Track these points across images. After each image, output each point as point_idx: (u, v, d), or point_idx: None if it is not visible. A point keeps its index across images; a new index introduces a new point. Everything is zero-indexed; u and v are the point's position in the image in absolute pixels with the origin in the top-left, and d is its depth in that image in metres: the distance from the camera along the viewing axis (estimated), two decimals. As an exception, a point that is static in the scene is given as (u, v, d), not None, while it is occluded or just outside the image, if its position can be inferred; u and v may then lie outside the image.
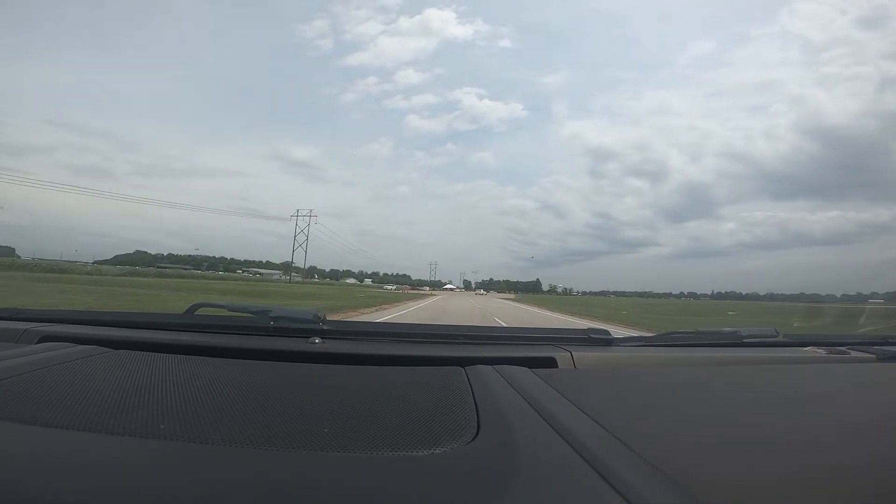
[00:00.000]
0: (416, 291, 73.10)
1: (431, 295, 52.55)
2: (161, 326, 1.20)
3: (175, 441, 0.53)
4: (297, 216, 74.97)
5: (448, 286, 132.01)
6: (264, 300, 17.12)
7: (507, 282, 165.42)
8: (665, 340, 1.26)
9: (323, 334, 1.09)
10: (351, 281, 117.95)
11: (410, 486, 0.45)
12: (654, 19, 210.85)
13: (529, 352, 1.06)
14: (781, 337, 1.34)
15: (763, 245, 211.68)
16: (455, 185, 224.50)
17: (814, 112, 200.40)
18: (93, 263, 59.89)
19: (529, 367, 0.91)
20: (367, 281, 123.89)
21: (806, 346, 1.26)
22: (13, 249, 64.63)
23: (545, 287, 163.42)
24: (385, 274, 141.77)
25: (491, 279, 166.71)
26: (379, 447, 0.53)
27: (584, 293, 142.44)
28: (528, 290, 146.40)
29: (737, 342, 1.28)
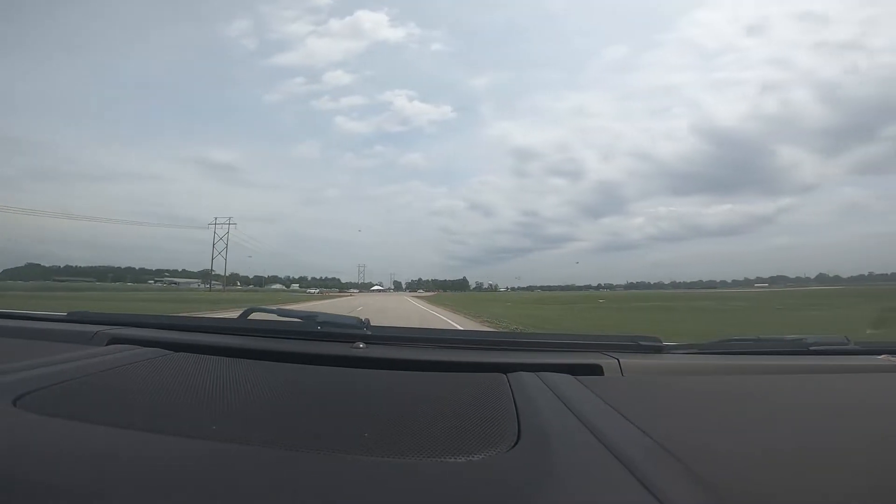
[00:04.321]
0: (338, 294, 76.55)
1: (350, 296, 57.47)
2: (218, 330, 1.25)
3: (225, 443, 0.54)
4: (216, 224, 74.13)
5: (376, 287, 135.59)
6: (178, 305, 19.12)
7: (435, 281, 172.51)
8: (721, 348, 1.21)
9: (367, 339, 1.10)
10: (277, 286, 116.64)
11: (448, 492, 0.45)
12: (578, 22, 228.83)
13: (574, 358, 1.02)
14: (852, 344, 1.21)
15: (668, 237, 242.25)
16: (386, 186, 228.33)
17: (707, 115, 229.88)
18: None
19: (573, 375, 0.88)
20: (294, 286, 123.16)
21: (879, 353, 1.15)
22: None
23: (472, 285, 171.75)
24: (313, 278, 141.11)
25: (420, 279, 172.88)
26: (418, 453, 0.53)
27: (512, 289, 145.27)
28: (455, 289, 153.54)
29: (801, 350, 1.18)
